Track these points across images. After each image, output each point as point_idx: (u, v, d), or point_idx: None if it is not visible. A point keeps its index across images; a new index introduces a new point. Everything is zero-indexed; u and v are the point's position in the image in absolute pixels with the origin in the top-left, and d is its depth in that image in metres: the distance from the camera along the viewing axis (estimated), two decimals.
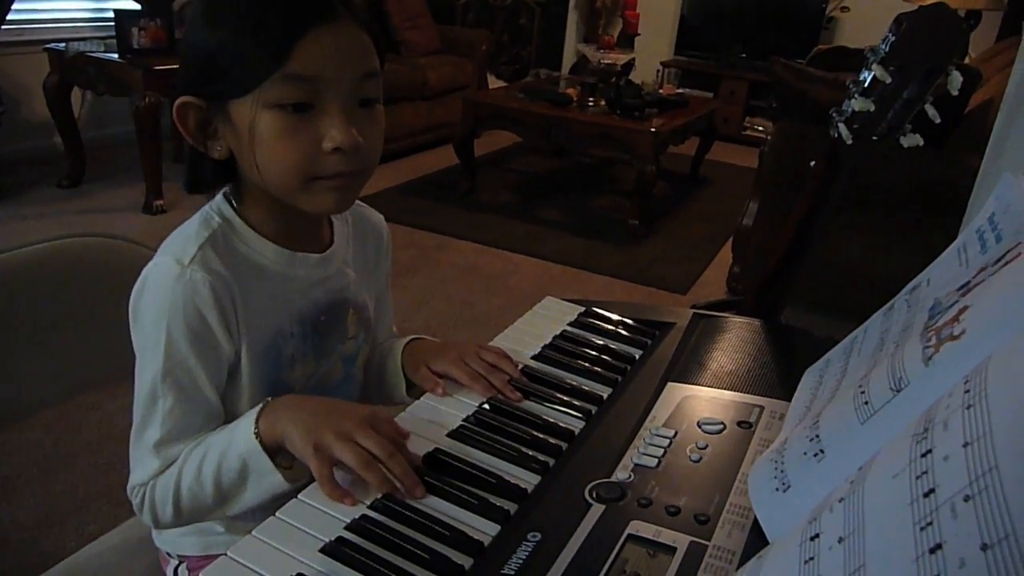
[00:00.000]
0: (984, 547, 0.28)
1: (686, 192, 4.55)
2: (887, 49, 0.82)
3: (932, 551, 0.31)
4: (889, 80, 0.83)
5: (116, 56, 3.32)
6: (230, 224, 0.80)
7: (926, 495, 0.34)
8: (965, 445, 0.34)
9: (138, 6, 3.47)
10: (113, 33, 3.35)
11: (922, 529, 0.32)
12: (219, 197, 0.82)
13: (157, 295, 0.75)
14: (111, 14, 3.38)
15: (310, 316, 0.84)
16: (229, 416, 0.80)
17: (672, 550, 0.59)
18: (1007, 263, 0.53)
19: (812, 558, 0.39)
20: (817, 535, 0.40)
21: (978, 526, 0.29)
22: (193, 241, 0.77)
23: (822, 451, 0.56)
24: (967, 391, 0.37)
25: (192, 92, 0.73)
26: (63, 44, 3.47)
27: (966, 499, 0.31)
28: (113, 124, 4.16)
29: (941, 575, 0.29)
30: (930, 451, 0.36)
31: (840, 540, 0.38)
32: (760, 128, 5.68)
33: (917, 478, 0.35)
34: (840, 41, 5.33)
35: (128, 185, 3.62)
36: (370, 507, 0.65)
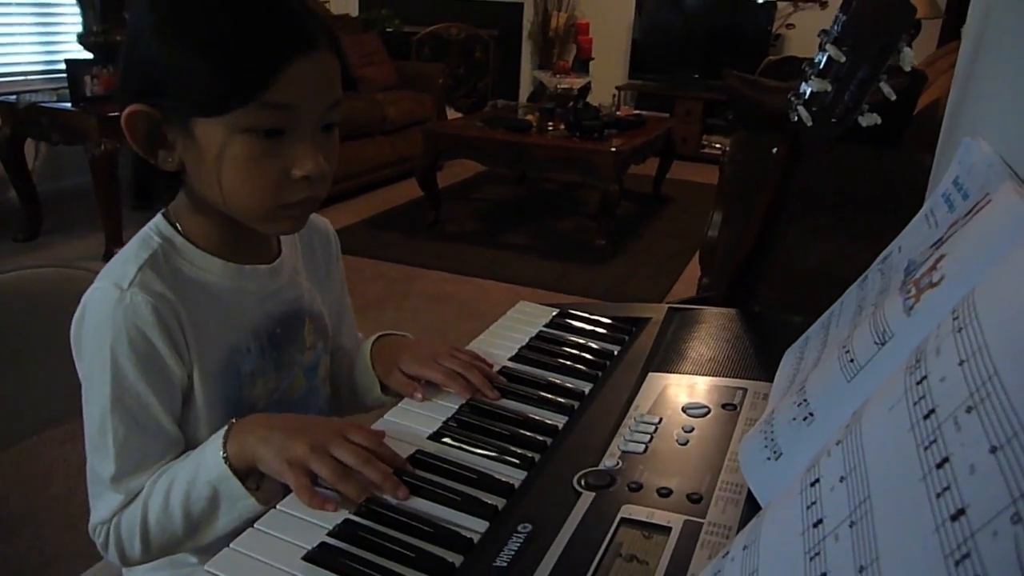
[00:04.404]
0: (993, 449, 0.27)
1: (650, 211, 4.60)
2: (839, 29, 0.84)
3: (939, 465, 0.30)
4: (843, 59, 0.84)
5: (69, 105, 3.28)
6: (171, 243, 0.77)
7: (926, 417, 0.33)
8: (961, 363, 0.33)
9: (90, 55, 3.44)
10: (65, 83, 3.31)
11: (926, 448, 0.31)
12: (158, 217, 0.79)
13: (98, 322, 0.72)
14: (63, 65, 3.34)
15: (265, 329, 0.82)
16: (188, 442, 0.77)
17: (667, 530, 0.58)
18: (978, 211, 0.54)
19: (814, 502, 0.38)
20: (817, 480, 0.39)
21: (984, 432, 0.28)
22: (132, 263, 0.74)
23: (811, 414, 0.56)
24: (956, 318, 0.37)
25: (143, 101, 0.71)
26: (14, 96, 3.42)
27: (968, 410, 0.30)
28: (69, 175, 4.10)
29: (951, 486, 0.28)
30: (925, 377, 0.35)
31: (841, 479, 0.37)
32: (717, 145, 5.77)
33: (915, 404, 0.34)
34: (787, 53, 5.46)
35: (87, 236, 3.55)
36: (353, 512, 0.63)
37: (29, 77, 3.99)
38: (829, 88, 0.86)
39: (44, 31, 4.06)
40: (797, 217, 2.24)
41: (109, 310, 0.72)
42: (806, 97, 0.89)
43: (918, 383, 0.35)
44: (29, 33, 3.99)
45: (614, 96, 5.52)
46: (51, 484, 1.87)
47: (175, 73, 0.69)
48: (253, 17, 0.68)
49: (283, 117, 0.70)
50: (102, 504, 0.75)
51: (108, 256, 3.27)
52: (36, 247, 3.51)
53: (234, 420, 0.72)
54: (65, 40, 4.02)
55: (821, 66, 0.87)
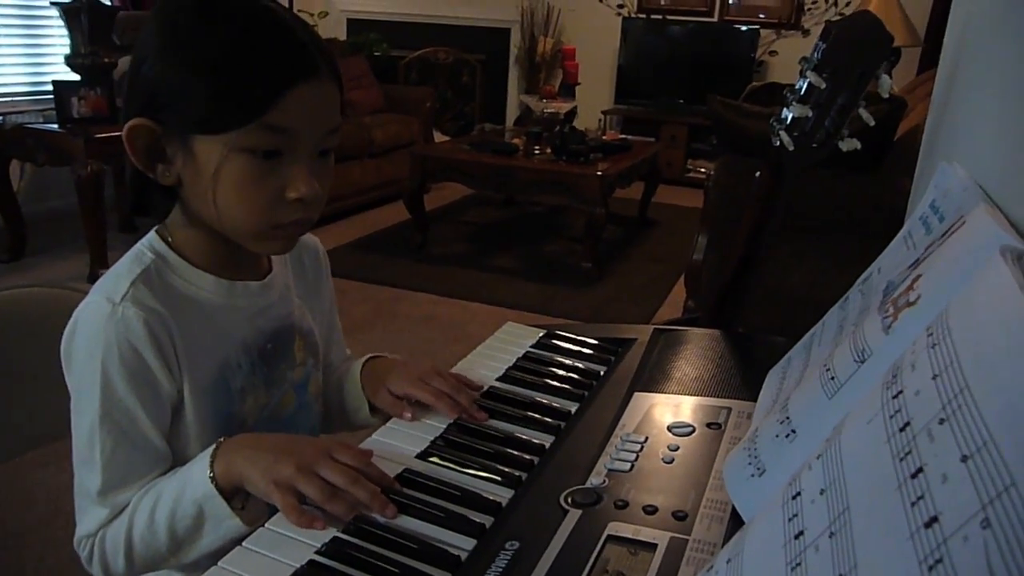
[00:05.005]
0: (964, 458, 0.28)
1: (635, 234, 4.63)
2: (819, 56, 0.86)
3: (914, 475, 0.31)
4: (824, 86, 0.86)
5: (56, 126, 3.28)
6: (163, 259, 0.78)
7: (902, 429, 0.34)
8: (934, 377, 0.34)
9: (77, 76, 3.44)
10: (52, 104, 3.31)
11: (902, 459, 0.32)
12: (151, 233, 0.80)
13: (89, 336, 0.73)
14: (50, 86, 3.35)
15: (256, 345, 0.83)
16: (177, 458, 0.77)
17: (653, 547, 0.58)
18: (952, 233, 0.55)
19: (796, 515, 0.39)
20: (798, 493, 0.40)
21: (956, 442, 0.30)
22: (124, 278, 0.75)
23: (793, 431, 0.57)
24: (930, 335, 0.38)
25: (146, 115, 0.72)
26: (0, 117, 3.41)
27: (941, 422, 0.31)
28: (54, 196, 4.08)
29: (925, 495, 0.29)
30: (901, 392, 0.36)
31: (821, 492, 0.38)
32: (702, 169, 5.84)
33: (891, 417, 0.35)
34: (771, 79, 5.54)
35: (71, 257, 3.53)
36: (341, 530, 0.63)
37: (15, 98, 3.98)
38: (810, 114, 0.89)
39: (31, 52, 4.07)
40: (780, 240, 2.27)
41: (101, 324, 0.72)
42: (787, 123, 0.91)
43: (894, 397, 0.37)
44: (16, 54, 3.99)
45: (600, 120, 5.58)
46: (34, 506, 1.84)
47: (177, 91, 0.70)
48: (258, 42, 0.70)
49: (281, 140, 0.71)
50: (88, 517, 0.75)
51: (93, 278, 3.25)
52: (20, 268, 3.49)
53: (222, 439, 0.72)
54: (52, 61, 4.02)
55: (802, 92, 0.89)
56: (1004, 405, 0.29)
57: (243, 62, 0.69)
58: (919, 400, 0.34)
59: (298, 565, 0.59)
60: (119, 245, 3.48)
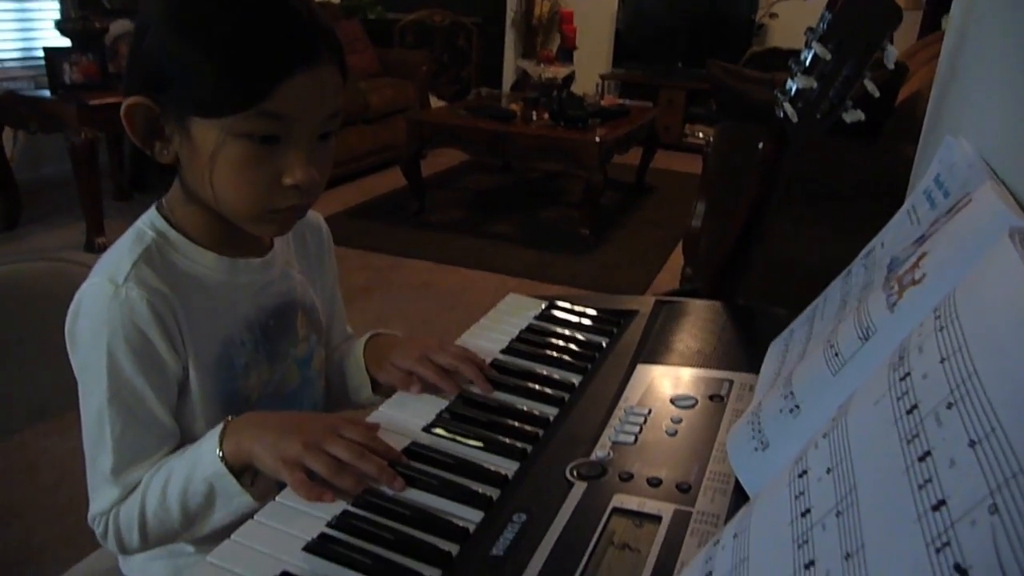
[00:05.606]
0: (972, 443, 0.29)
1: (633, 200, 4.62)
2: (825, 27, 0.85)
3: (921, 458, 0.31)
4: (829, 57, 0.86)
5: (48, 93, 3.25)
6: (165, 237, 0.78)
7: (909, 412, 0.35)
8: (942, 361, 0.35)
9: (68, 42, 3.39)
10: (43, 71, 3.28)
11: (909, 442, 0.33)
12: (151, 210, 0.80)
13: (93, 318, 0.73)
14: (40, 52, 3.30)
15: (259, 322, 0.83)
16: (185, 434, 0.79)
17: (658, 519, 0.60)
18: (959, 210, 0.55)
19: (802, 493, 0.40)
20: (805, 472, 0.41)
21: (964, 427, 0.30)
22: (127, 258, 0.75)
23: (797, 406, 0.57)
24: (938, 317, 0.39)
25: (144, 94, 0.72)
26: None
27: (949, 406, 0.32)
28: (48, 163, 4.05)
29: (933, 478, 0.30)
30: (908, 374, 0.37)
31: (828, 471, 0.39)
32: (700, 135, 5.81)
33: (898, 399, 0.36)
34: (770, 44, 5.50)
35: (67, 225, 3.52)
36: (351, 503, 0.64)
37: (6, 64, 3.93)
38: (815, 85, 0.88)
39: (21, 17, 4.00)
40: (779, 206, 2.26)
41: (105, 306, 0.72)
42: (792, 94, 0.90)
43: (902, 379, 0.37)
44: (6, 20, 3.92)
45: (598, 85, 5.53)
46: (38, 476, 1.86)
47: (177, 71, 0.70)
48: (259, 26, 0.69)
49: (279, 126, 0.70)
50: (101, 496, 0.76)
51: (90, 246, 3.25)
52: (15, 237, 3.47)
53: (230, 418, 0.73)
54: (43, 27, 3.96)
55: (807, 63, 0.88)
56: (1012, 392, 0.29)
57: (242, 46, 0.68)
58: (927, 383, 0.35)
59: (309, 538, 0.60)
60: (115, 213, 3.47)
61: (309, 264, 0.93)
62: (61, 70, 3.24)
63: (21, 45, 4.01)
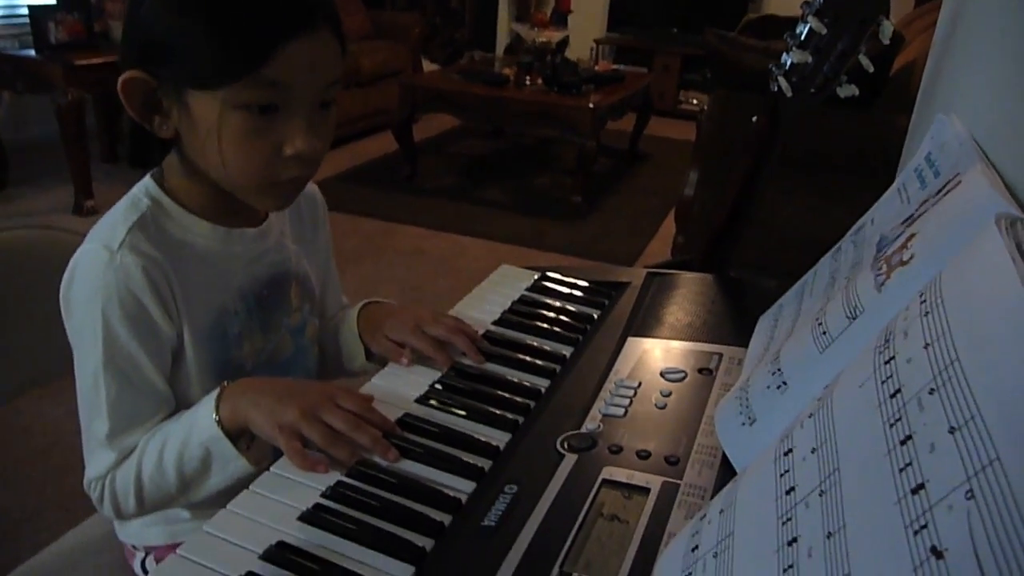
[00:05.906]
0: (952, 430, 0.30)
1: (626, 167, 4.61)
2: (821, 1, 0.85)
3: (903, 442, 0.32)
4: (824, 31, 0.86)
5: (33, 52, 3.19)
6: (160, 205, 0.78)
7: (892, 396, 0.35)
8: (926, 346, 0.36)
9: (53, 0, 3.33)
10: (28, 29, 3.22)
11: (891, 425, 0.34)
12: (147, 178, 0.80)
13: (88, 284, 0.73)
14: (25, 10, 3.24)
15: (253, 292, 0.84)
16: (180, 401, 0.79)
17: (646, 491, 0.61)
18: (948, 191, 0.56)
19: (787, 471, 0.41)
20: (790, 450, 0.42)
21: (944, 413, 0.31)
22: (121, 225, 0.75)
23: (785, 383, 0.59)
24: (923, 302, 0.39)
25: (140, 67, 0.71)
26: None
27: (931, 392, 0.33)
28: (35, 124, 4.00)
29: (913, 462, 0.31)
30: (892, 358, 0.38)
31: (813, 451, 0.40)
32: (695, 101, 5.77)
33: (883, 382, 0.37)
34: (767, 11, 5.44)
35: (56, 187, 3.48)
36: (345, 474, 0.65)
37: None
38: (809, 60, 0.88)
39: None
40: (773, 180, 2.27)
41: (100, 272, 0.73)
42: (786, 68, 0.90)
43: (886, 363, 0.38)
44: None
45: (592, 50, 5.48)
46: (31, 439, 1.88)
47: (172, 41, 0.69)
48: None
49: (277, 94, 0.70)
50: (97, 461, 0.77)
51: (78, 209, 3.22)
52: (4, 199, 3.44)
53: (226, 383, 0.74)
54: None
55: (802, 37, 0.88)
56: (992, 381, 0.30)
57: (238, 13, 0.67)
58: (911, 368, 0.36)
59: (304, 508, 0.61)
60: (103, 176, 3.44)
61: (303, 234, 0.93)
62: (46, 29, 3.18)
63: (4, 2, 3.93)
